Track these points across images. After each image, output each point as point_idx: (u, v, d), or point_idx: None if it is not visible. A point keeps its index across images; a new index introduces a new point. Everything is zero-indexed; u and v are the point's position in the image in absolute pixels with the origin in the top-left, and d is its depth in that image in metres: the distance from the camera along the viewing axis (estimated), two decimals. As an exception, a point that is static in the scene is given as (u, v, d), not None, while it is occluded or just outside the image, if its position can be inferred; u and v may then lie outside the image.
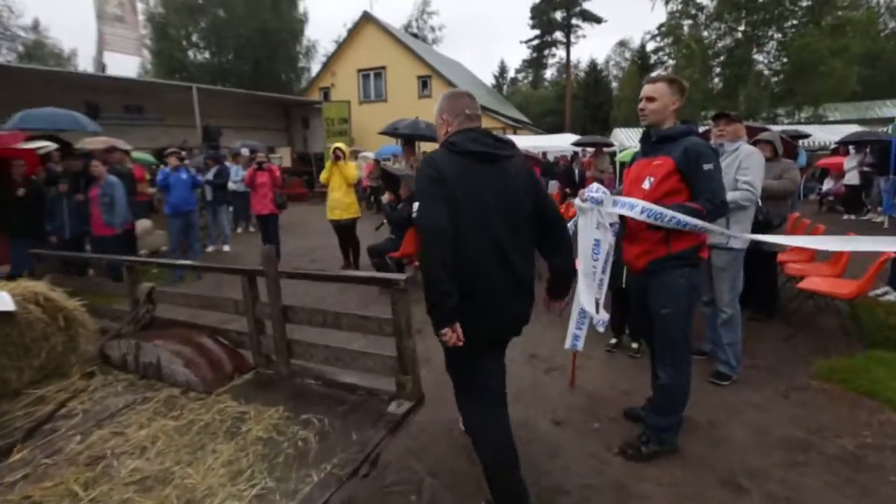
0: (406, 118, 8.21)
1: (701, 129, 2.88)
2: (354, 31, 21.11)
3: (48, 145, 7.56)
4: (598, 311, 2.76)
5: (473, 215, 1.84)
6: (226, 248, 9.15)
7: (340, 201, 6.90)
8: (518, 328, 2.11)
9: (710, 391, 3.29)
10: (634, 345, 3.95)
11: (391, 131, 8.48)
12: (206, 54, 26.89)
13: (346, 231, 7.11)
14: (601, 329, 2.90)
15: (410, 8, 53.31)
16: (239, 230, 11.25)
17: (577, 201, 2.69)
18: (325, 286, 5.41)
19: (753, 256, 3.55)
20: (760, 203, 3.83)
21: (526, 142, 16.31)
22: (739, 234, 2.97)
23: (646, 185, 2.46)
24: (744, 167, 3.25)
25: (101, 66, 16.46)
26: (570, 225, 2.98)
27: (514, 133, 20.47)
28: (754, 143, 3.98)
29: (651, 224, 2.33)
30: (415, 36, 31.89)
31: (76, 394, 2.31)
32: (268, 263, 2.16)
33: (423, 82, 19.90)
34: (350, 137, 18.81)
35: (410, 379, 1.92)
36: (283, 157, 18.93)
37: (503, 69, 49.11)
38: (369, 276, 2.11)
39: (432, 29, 37.78)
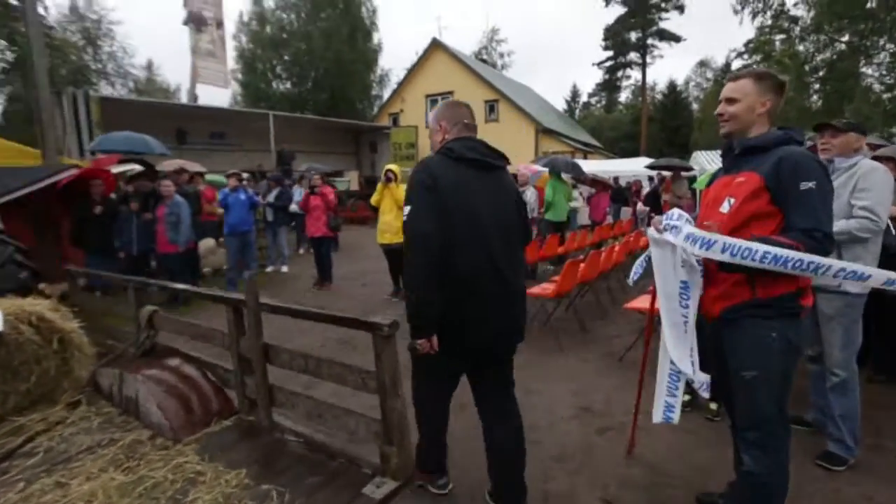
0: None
1: (807, 144, 2.18)
2: (424, 58, 21.54)
3: (135, 168, 8.09)
4: (695, 371, 2.14)
5: (467, 225, 1.81)
6: (284, 268, 9.23)
7: (391, 225, 6.65)
8: (510, 343, 2.04)
9: (818, 479, 2.52)
10: (713, 405, 3.23)
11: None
12: (288, 84, 28.66)
13: (395, 256, 6.83)
14: (706, 394, 2.24)
15: (480, 35, 54.19)
16: (301, 251, 11.44)
17: (650, 231, 2.12)
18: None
19: (873, 300, 2.75)
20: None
21: (596, 166, 15.49)
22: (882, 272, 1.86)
23: (724, 207, 1.87)
24: (862, 188, 2.52)
25: (194, 97, 17.93)
26: (641, 259, 2.44)
27: (585, 157, 19.66)
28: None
29: (729, 265, 1.73)
30: (484, 62, 32.11)
31: (51, 427, 2.10)
32: (249, 293, 1.84)
33: (491, 106, 19.76)
34: (417, 162, 18.98)
35: (395, 451, 1.48)
36: (352, 181, 19.47)
37: (575, 93, 48.21)
38: (349, 317, 1.72)
39: (501, 55, 37.94)
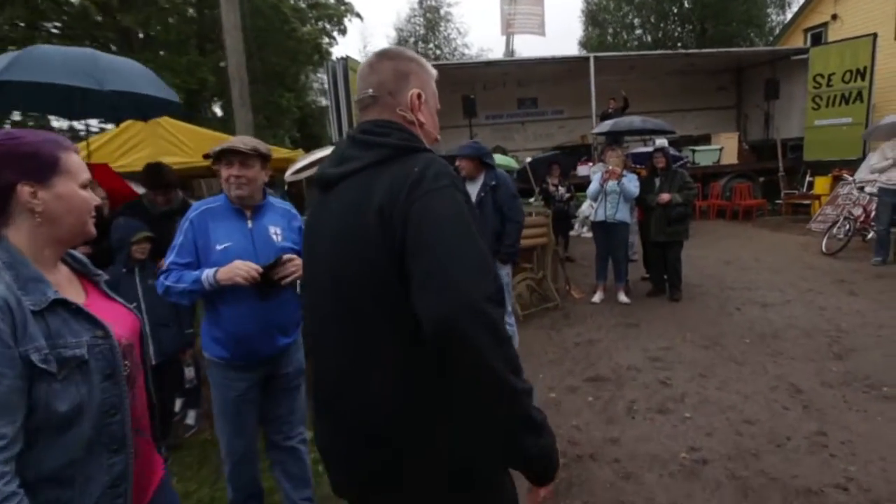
0: None
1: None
2: None
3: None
4: None
5: (305, 273, 1.15)
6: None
7: None
8: (357, 486, 1.02)
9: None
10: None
11: None
12: (639, 31, 22.23)
13: None
14: None
15: None
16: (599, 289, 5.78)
17: None
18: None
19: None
20: None
21: None
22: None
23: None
24: None
25: (510, 53, 14.43)
26: None
27: None
28: None
29: None
30: None
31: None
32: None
33: None
34: (869, 105, 9.90)
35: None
36: (726, 149, 11.86)
37: None
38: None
39: None
